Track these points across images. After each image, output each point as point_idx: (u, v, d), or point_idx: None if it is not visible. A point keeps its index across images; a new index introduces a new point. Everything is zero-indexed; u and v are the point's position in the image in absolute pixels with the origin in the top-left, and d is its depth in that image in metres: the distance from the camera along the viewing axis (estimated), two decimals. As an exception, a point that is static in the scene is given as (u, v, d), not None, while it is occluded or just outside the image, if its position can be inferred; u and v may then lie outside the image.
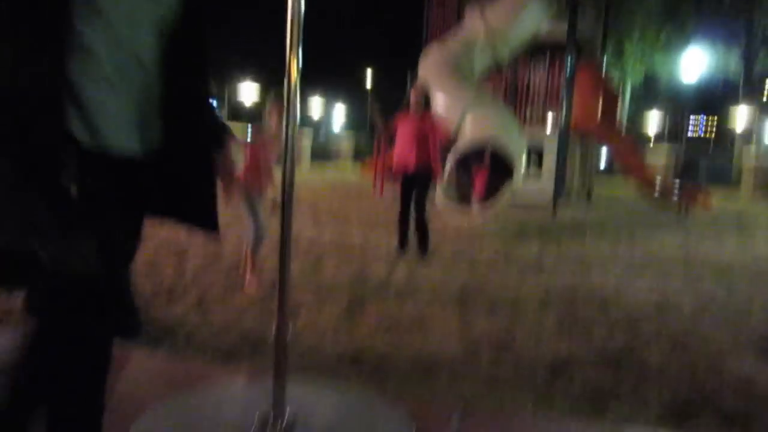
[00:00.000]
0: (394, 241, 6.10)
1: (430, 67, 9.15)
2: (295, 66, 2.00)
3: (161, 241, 5.66)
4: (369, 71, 47.61)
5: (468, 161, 7.92)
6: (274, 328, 1.91)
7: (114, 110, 1.30)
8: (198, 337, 3.12)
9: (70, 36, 1.20)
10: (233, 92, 43.45)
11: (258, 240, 4.11)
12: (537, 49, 11.90)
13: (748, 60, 21.11)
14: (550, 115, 12.13)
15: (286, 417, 1.96)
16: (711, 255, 6.48)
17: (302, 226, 6.81)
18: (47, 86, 1.17)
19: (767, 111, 23.19)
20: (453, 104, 8.29)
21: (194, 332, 3.19)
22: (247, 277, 4.09)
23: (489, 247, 6.41)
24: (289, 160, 2.08)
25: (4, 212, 1.15)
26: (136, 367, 2.45)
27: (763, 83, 22.94)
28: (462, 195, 7.72)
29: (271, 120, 4.06)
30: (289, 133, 2.04)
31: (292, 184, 2.10)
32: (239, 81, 42.66)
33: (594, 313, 3.90)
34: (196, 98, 1.53)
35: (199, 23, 1.48)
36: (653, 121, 41.13)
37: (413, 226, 5.69)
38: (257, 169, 4.02)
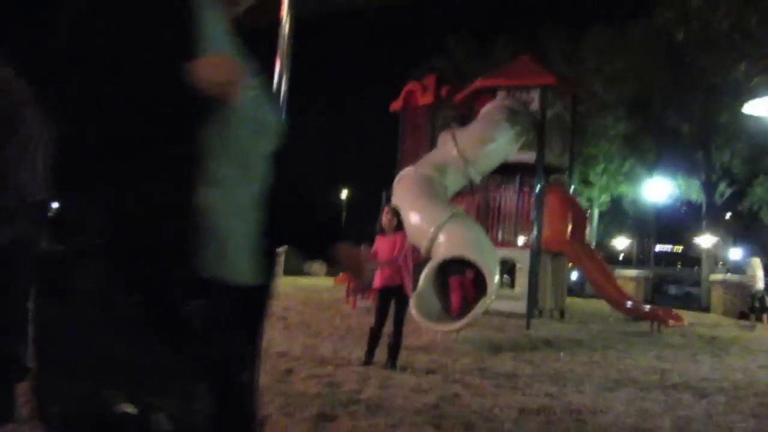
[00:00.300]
0: (376, 352, 6.02)
1: (404, 187, 9.45)
2: None
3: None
4: (344, 191, 48.87)
5: (443, 276, 7.97)
6: None
7: (242, 241, 1.30)
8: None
9: (205, 169, 1.20)
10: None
11: None
12: (507, 171, 12.40)
13: (708, 189, 22.16)
14: (521, 234, 12.39)
15: None
16: (686, 374, 6.43)
17: (272, 338, 6.63)
18: (183, 220, 1.15)
19: (730, 236, 24.01)
20: (426, 222, 8.47)
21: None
22: None
23: (463, 361, 6.30)
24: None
25: (125, 364, 1.05)
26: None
27: (725, 210, 23.95)
28: (436, 308, 7.70)
29: None
30: None
31: None
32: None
33: None
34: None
35: (294, 152, 1.53)
36: (621, 245, 42.28)
37: (386, 339, 5.65)
38: None
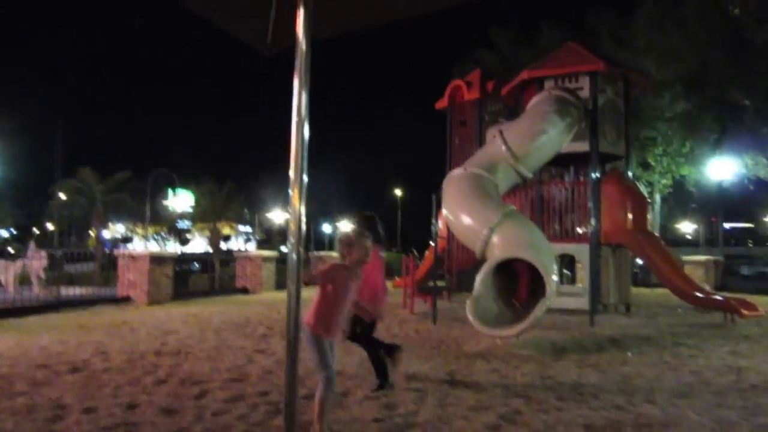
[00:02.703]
0: (428, 364, 5.91)
1: (454, 189, 9.28)
2: (298, 193, 2.04)
3: (184, 377, 5.53)
4: (398, 193, 49.04)
5: (499, 279, 7.77)
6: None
7: None
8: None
9: None
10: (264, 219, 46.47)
11: (330, 385, 3.63)
12: (561, 162, 12.03)
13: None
14: (579, 227, 12.01)
15: None
16: (765, 372, 6.04)
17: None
18: None
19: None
20: (479, 224, 8.29)
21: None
22: (316, 427, 3.63)
23: (525, 369, 6.09)
24: (294, 284, 2.02)
25: None
26: None
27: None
28: (494, 312, 7.51)
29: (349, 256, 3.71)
30: (296, 257, 2.02)
31: (297, 309, 2.03)
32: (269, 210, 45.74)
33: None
34: None
35: None
36: (687, 228, 40.72)
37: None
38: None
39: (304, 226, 2.10)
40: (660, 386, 5.38)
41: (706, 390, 5.25)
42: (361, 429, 3.92)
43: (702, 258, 19.80)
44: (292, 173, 2.09)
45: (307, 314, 3.64)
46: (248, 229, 59.06)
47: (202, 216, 38.71)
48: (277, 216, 48.39)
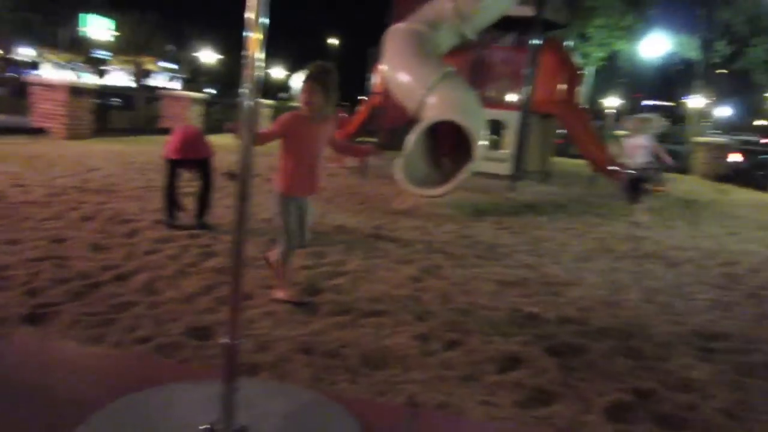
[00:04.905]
0: (355, 218, 6.12)
1: (394, 45, 9.08)
2: (255, 39, 1.91)
3: (111, 214, 5.51)
4: (335, 42, 47.17)
5: (430, 139, 7.93)
6: (227, 337, 1.88)
7: None
8: (143, 325, 3.07)
9: None
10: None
11: (286, 248, 3.58)
12: (502, 26, 11.87)
13: (707, 49, 21.60)
14: (512, 94, 12.17)
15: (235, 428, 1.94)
16: (660, 242, 6.66)
17: (259, 204, 6.60)
18: None
19: (722, 98, 23.83)
20: (416, 83, 8.26)
21: (140, 321, 3.13)
22: (280, 292, 3.63)
23: (446, 227, 6.45)
24: (246, 134, 1.96)
25: None
26: (79, 364, 2.39)
27: (720, 71, 23.45)
28: (422, 172, 7.75)
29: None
30: (250, 105, 1.94)
31: (250, 160, 1.98)
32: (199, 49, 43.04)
33: (544, 306, 3.98)
34: None
35: None
36: (613, 103, 41.78)
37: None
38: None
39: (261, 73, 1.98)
40: (566, 250, 5.87)
41: (606, 255, 5.78)
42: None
43: (619, 133, 20.72)
44: (251, 14, 1.90)
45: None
46: (172, 66, 55.94)
47: (123, 48, 36.16)
48: (205, 56, 45.74)
